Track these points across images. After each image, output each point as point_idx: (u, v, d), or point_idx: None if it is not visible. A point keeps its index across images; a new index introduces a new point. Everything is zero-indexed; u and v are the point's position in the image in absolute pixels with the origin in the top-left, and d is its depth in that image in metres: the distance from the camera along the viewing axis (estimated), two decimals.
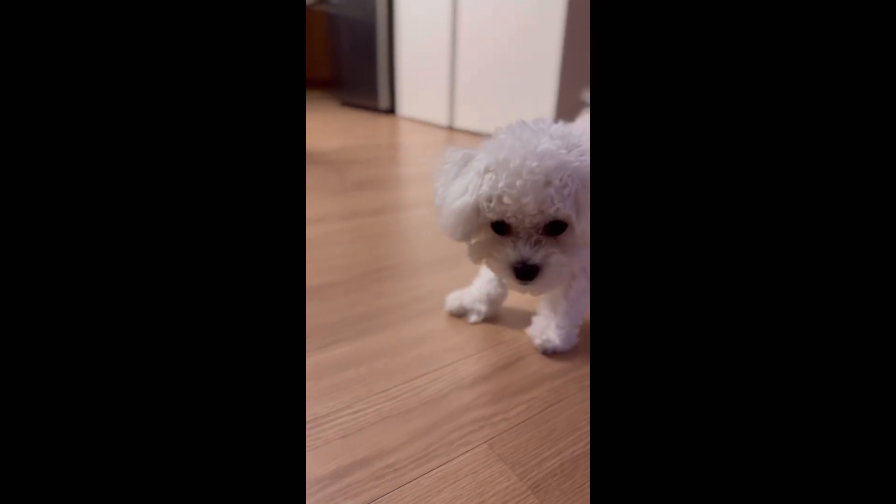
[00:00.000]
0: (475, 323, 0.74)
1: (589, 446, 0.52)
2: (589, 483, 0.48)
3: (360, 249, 0.99)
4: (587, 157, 0.51)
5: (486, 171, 0.51)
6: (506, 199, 0.50)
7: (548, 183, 0.49)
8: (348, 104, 3.31)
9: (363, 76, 3.03)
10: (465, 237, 0.57)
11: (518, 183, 0.49)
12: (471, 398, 0.58)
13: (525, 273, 0.52)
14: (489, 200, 0.51)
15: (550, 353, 0.67)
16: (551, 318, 0.68)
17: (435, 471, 0.48)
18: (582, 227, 0.51)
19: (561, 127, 0.54)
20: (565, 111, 1.95)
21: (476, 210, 0.53)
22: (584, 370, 0.64)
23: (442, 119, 2.58)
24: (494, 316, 0.76)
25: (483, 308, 0.74)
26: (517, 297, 0.79)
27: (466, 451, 0.51)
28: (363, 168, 1.71)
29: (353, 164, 1.77)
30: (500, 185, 0.50)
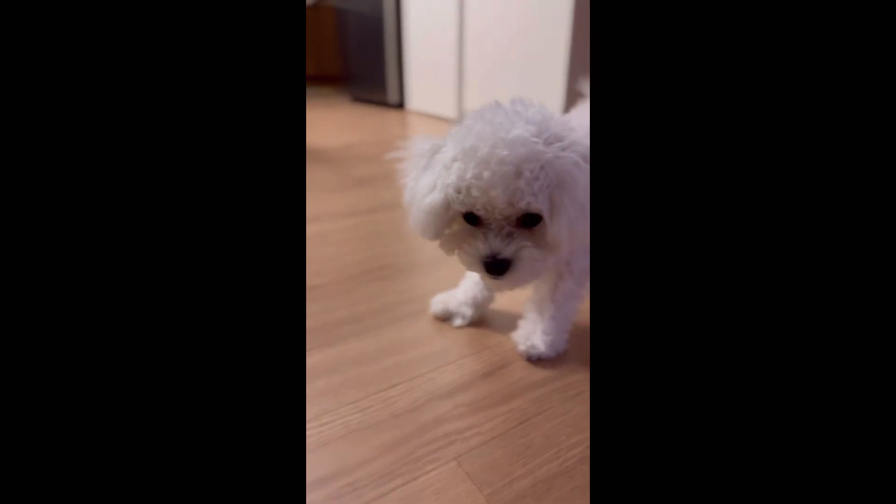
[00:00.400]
0: (460, 327, 0.71)
1: (565, 464, 0.48)
2: None
3: (351, 250, 0.96)
4: (570, 155, 0.46)
5: (454, 160, 0.47)
6: (474, 192, 0.46)
7: (518, 174, 0.44)
8: (359, 99, 3.29)
9: (372, 71, 3.00)
10: (438, 235, 0.53)
11: (486, 174, 0.44)
12: (445, 410, 0.55)
13: (495, 268, 0.48)
14: (458, 192, 0.47)
15: (535, 360, 0.64)
16: (538, 323, 0.64)
17: (396, 490, 0.45)
18: (555, 229, 0.47)
19: (540, 111, 0.48)
20: (574, 103, 1.88)
21: (446, 205, 0.49)
22: (570, 379, 0.61)
23: (451, 112, 2.54)
24: (481, 319, 0.73)
25: (469, 312, 0.71)
26: (505, 300, 0.75)
27: (433, 469, 0.48)
28: (366, 165, 1.68)
29: (356, 160, 1.75)
30: (468, 175, 0.45)
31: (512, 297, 0.75)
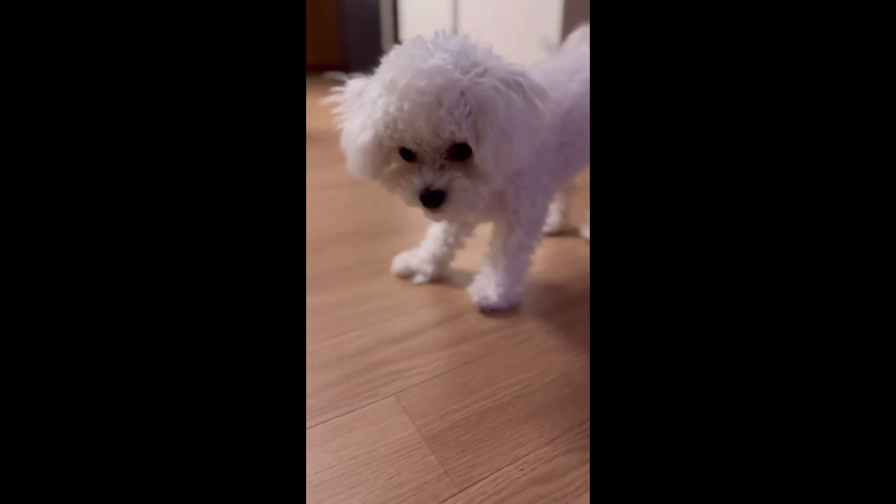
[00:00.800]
0: (421, 283, 0.72)
1: (499, 401, 0.49)
2: (489, 435, 0.45)
3: (323, 220, 0.97)
4: (488, 80, 0.46)
5: (379, 96, 0.47)
6: (400, 125, 0.46)
7: (439, 104, 0.44)
8: None
9: (370, 57, 3.00)
10: (376, 175, 0.53)
11: (406, 106, 0.44)
12: (391, 353, 0.56)
13: (430, 199, 0.49)
14: (386, 127, 0.47)
15: (488, 310, 0.64)
16: (491, 276, 0.65)
17: (331, 421, 0.46)
18: (482, 154, 0.47)
19: (460, 41, 0.48)
20: None
21: (378, 143, 0.49)
22: (520, 327, 0.61)
23: None
24: (442, 277, 0.73)
25: (429, 269, 0.72)
26: (466, 258, 0.76)
27: (370, 403, 0.49)
28: None
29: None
30: (392, 109, 0.45)
31: (474, 256, 0.75)
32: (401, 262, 0.74)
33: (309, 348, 0.57)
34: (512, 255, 0.64)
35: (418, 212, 0.51)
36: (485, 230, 0.72)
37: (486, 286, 0.65)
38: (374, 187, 0.54)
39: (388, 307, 0.66)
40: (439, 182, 0.48)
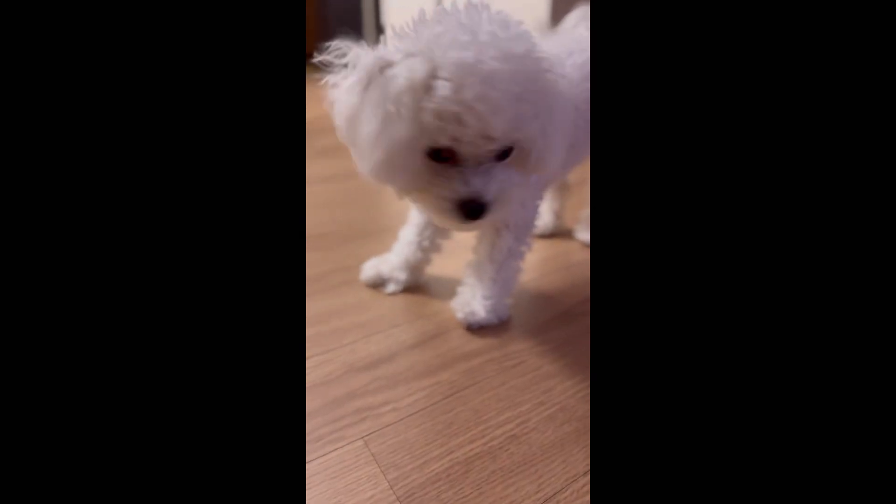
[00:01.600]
0: (394, 293, 0.64)
1: (490, 444, 0.42)
2: (478, 491, 0.37)
3: None
4: (558, 75, 0.40)
5: (433, 76, 0.36)
6: (469, 119, 0.35)
7: (520, 97, 0.36)
8: None
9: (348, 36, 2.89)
10: (413, 183, 0.42)
11: (494, 95, 0.34)
12: (362, 383, 0.48)
13: (475, 211, 0.40)
14: (441, 120, 0.36)
15: (476, 327, 0.57)
16: (477, 288, 0.57)
17: None
18: (536, 156, 0.40)
19: (505, 16, 0.39)
20: None
21: (416, 139, 0.38)
22: (510, 348, 0.54)
23: None
24: (418, 285, 0.65)
25: (402, 276, 0.64)
26: (443, 264, 0.68)
27: (335, 450, 0.41)
28: (330, 136, 1.60)
29: (320, 133, 1.66)
30: (469, 97, 0.34)
31: (451, 261, 0.67)
32: (370, 269, 0.65)
33: None
34: (500, 264, 0.56)
35: (400, 212, 0.43)
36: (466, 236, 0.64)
37: (472, 300, 0.57)
38: (351, 183, 0.46)
39: (359, 325, 0.57)
40: (489, 191, 0.39)
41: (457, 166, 0.40)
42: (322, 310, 0.60)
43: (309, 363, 0.51)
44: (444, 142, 0.38)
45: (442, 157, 0.40)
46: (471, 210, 0.40)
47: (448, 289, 0.64)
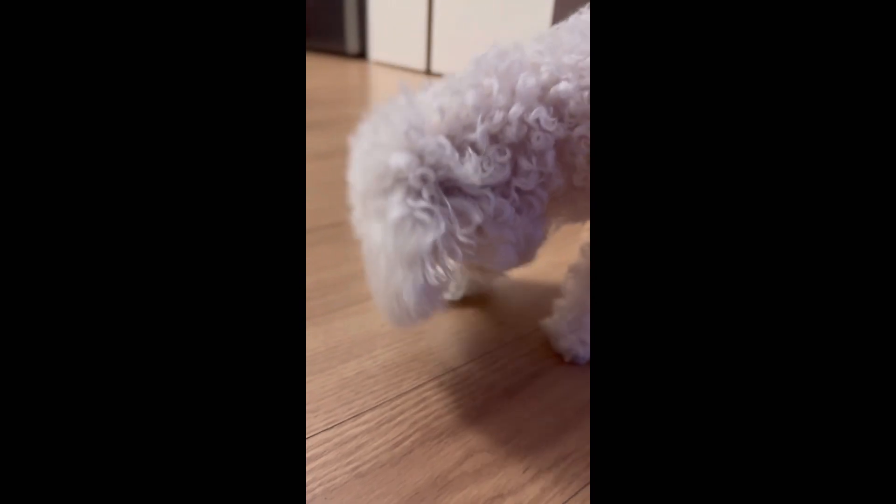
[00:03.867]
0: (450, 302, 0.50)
1: None
2: None
3: None
4: None
5: None
6: None
7: None
8: (312, 49, 2.97)
9: (328, 16, 2.68)
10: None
11: None
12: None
13: None
14: None
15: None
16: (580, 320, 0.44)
17: None
18: None
19: None
20: None
21: None
22: None
23: (419, 63, 2.30)
24: (481, 294, 0.52)
25: (457, 290, 0.50)
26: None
27: None
28: (324, 109, 1.44)
29: (311, 104, 1.49)
30: None
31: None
32: None
33: None
34: None
35: None
36: None
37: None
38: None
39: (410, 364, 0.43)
40: None
41: None
42: (354, 334, 0.45)
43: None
44: None
45: None
46: None
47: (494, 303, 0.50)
